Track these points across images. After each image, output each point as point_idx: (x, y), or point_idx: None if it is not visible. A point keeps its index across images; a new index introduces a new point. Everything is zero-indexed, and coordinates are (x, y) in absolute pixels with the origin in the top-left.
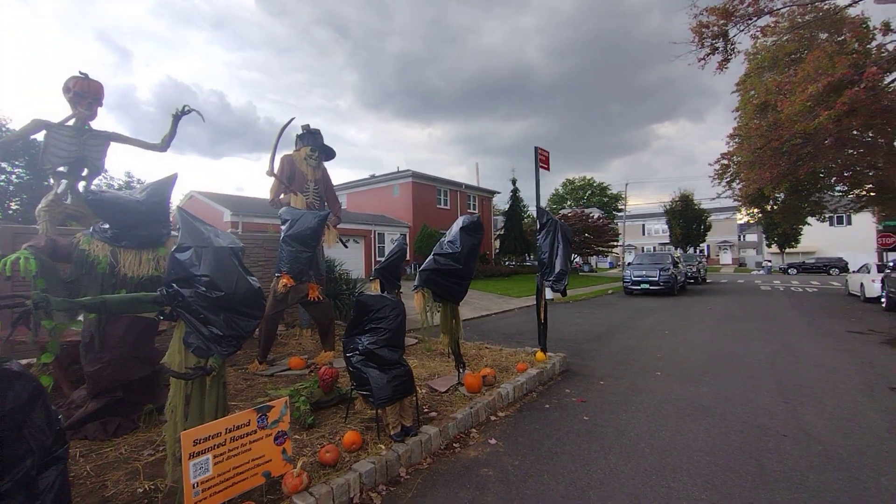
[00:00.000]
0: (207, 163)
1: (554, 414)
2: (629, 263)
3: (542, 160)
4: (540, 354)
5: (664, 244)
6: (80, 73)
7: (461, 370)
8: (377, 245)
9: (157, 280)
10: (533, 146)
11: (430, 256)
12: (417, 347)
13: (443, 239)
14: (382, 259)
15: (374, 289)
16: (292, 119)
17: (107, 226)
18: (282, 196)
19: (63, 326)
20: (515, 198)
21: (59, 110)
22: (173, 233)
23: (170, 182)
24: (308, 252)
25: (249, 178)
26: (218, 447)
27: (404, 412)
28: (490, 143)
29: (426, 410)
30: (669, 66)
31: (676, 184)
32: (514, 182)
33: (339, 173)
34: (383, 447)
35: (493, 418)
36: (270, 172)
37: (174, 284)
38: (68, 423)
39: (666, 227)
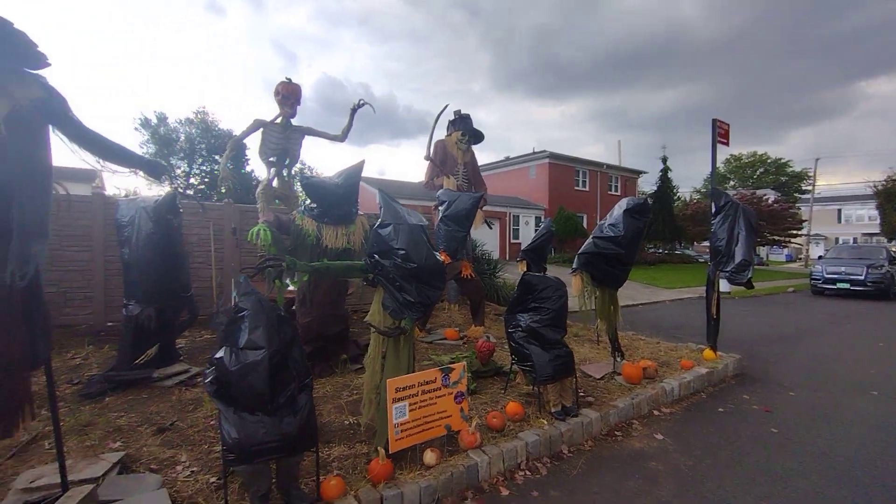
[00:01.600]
0: (356, 151)
1: (730, 420)
2: (821, 257)
3: (720, 135)
4: (709, 353)
5: (870, 234)
6: (286, 78)
7: (618, 358)
8: (511, 227)
9: (349, 252)
10: (691, 118)
11: (589, 239)
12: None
13: (602, 222)
14: (526, 242)
15: (520, 269)
16: (447, 106)
17: (314, 205)
18: (435, 179)
19: (285, 285)
20: (665, 178)
21: (238, 109)
22: (361, 212)
23: (360, 167)
24: (463, 231)
25: (390, 163)
26: (412, 397)
27: (564, 392)
28: (633, 118)
29: (582, 395)
30: None
31: (892, 158)
32: (664, 161)
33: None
34: (545, 422)
35: (656, 413)
36: (427, 157)
37: (376, 255)
38: None
39: (874, 212)
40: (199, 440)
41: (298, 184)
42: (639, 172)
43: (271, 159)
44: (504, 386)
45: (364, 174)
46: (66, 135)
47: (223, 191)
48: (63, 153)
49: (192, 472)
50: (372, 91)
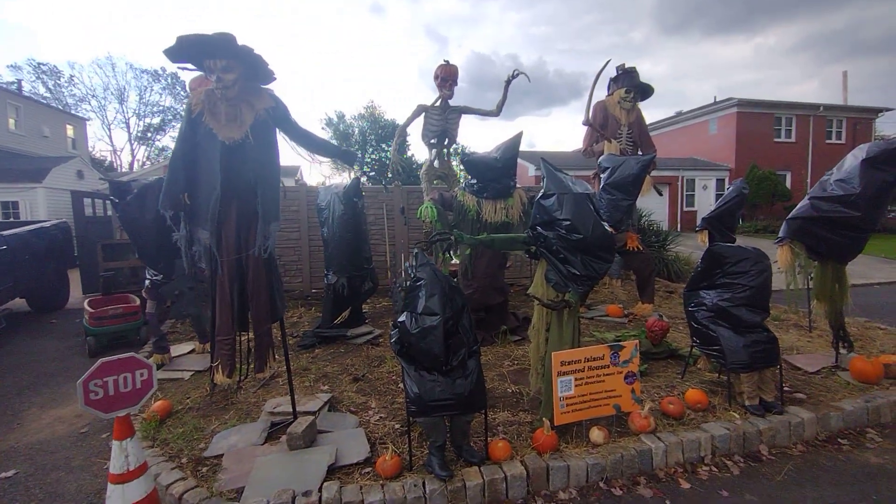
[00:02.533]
0: (505, 125)
1: None
2: None
3: None
4: None
5: None
6: (444, 60)
7: (844, 350)
8: (685, 193)
9: (507, 225)
10: None
11: (805, 200)
12: None
13: (825, 178)
14: (702, 209)
15: (701, 241)
16: (608, 62)
17: (474, 181)
18: (595, 145)
19: (449, 258)
20: None
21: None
22: (518, 185)
23: (518, 140)
24: (629, 200)
25: (540, 134)
26: (578, 372)
27: (764, 384)
28: (866, 37)
29: (788, 389)
30: None
31: None
32: None
33: None
34: (736, 416)
35: None
36: (586, 121)
37: (539, 227)
38: None
39: None
40: (384, 391)
41: (457, 162)
42: (877, 111)
43: (432, 141)
44: (682, 371)
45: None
46: (288, 135)
47: (389, 175)
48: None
49: (381, 417)
50: (520, 60)
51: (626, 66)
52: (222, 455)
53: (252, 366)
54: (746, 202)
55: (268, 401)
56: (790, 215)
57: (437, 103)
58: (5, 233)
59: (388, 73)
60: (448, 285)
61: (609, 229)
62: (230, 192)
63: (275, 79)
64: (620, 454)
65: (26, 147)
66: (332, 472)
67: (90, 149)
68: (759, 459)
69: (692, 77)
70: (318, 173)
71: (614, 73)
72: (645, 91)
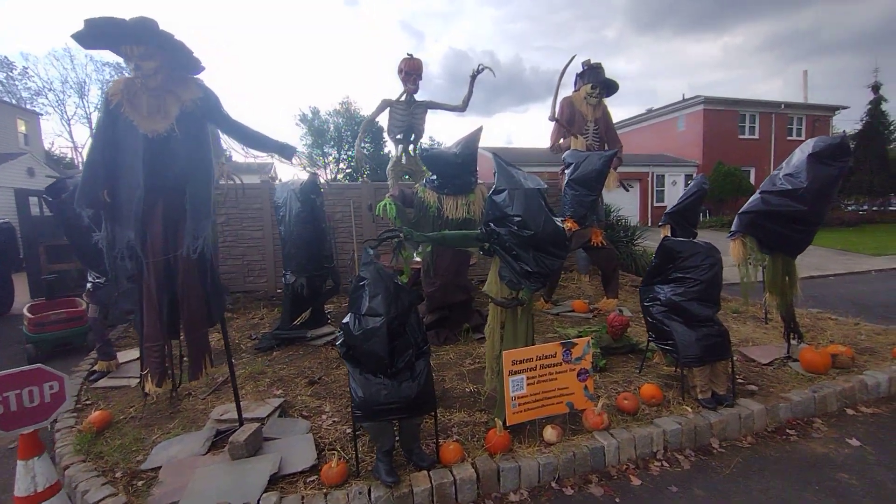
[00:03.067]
0: (482, 122)
1: None
2: None
3: None
4: None
5: None
6: (407, 54)
7: (794, 341)
8: (655, 189)
9: (469, 221)
10: None
11: (756, 195)
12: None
13: (775, 172)
14: (672, 205)
15: (664, 235)
16: (573, 58)
17: (434, 177)
18: (561, 140)
19: (410, 256)
20: (876, 112)
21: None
22: (480, 181)
23: (477, 136)
24: (592, 196)
25: (519, 131)
26: (530, 371)
27: (716, 377)
28: (827, 38)
29: (741, 381)
30: None
31: None
32: (875, 89)
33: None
34: (689, 409)
35: (850, 412)
36: (552, 117)
37: (491, 224)
38: None
39: None
40: (340, 394)
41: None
42: (834, 108)
43: (398, 136)
44: (639, 366)
45: (491, 144)
46: (219, 127)
47: (366, 173)
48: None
49: (334, 421)
50: (497, 57)
51: (592, 62)
52: (160, 467)
53: (185, 373)
54: (712, 197)
55: (216, 407)
56: (742, 209)
57: (403, 98)
58: None
59: (363, 69)
60: (393, 284)
61: (561, 225)
62: (155, 189)
63: (203, 68)
64: (573, 453)
65: None
66: (276, 481)
67: (49, 145)
68: (709, 453)
69: (664, 75)
70: (291, 170)
71: (580, 69)
72: (610, 87)
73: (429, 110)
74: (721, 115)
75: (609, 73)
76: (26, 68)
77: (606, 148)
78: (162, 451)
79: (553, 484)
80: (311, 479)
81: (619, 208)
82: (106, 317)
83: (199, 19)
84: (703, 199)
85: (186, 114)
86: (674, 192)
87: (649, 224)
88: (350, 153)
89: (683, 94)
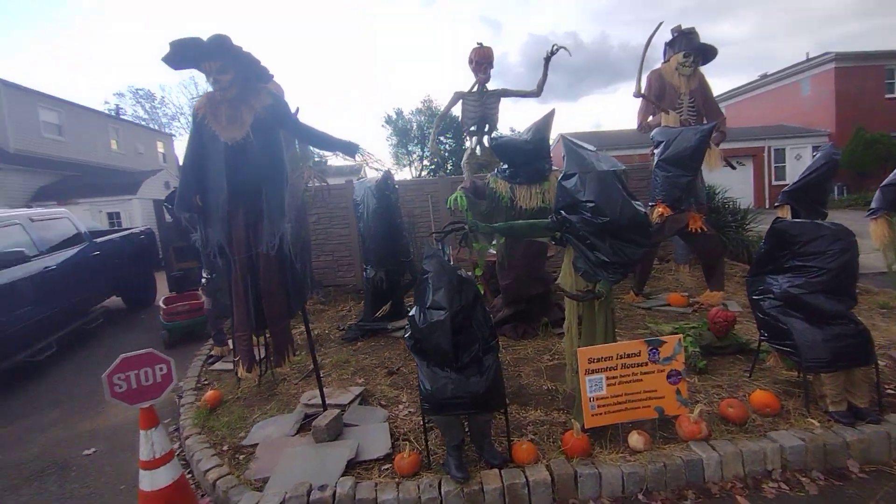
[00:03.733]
0: (567, 107)
1: None
2: None
3: None
4: None
5: None
6: (477, 43)
7: None
8: (773, 165)
9: (545, 210)
10: None
11: None
12: (864, 301)
13: None
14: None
15: (782, 216)
16: (659, 25)
17: (506, 166)
18: (651, 118)
19: (485, 248)
20: None
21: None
22: (555, 168)
23: (549, 120)
24: (687, 176)
25: (605, 113)
26: (610, 370)
27: (854, 387)
28: None
29: (892, 393)
30: None
31: None
32: None
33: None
34: (816, 423)
35: None
36: (637, 93)
37: (562, 211)
38: (493, 321)
39: None
40: (415, 385)
41: None
42: None
43: (472, 128)
44: (749, 369)
45: (578, 129)
46: (287, 131)
47: (449, 167)
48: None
49: (409, 412)
50: (580, 38)
51: (683, 27)
52: (257, 444)
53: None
54: (850, 170)
55: (305, 392)
56: (885, 181)
57: (475, 89)
58: (99, 240)
59: (444, 66)
60: (456, 277)
61: (643, 209)
62: (237, 193)
63: (272, 77)
64: (663, 463)
65: (125, 164)
66: (352, 466)
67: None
68: (845, 478)
69: (781, 35)
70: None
71: (670, 38)
72: (706, 53)
73: (503, 99)
74: (859, 72)
75: (709, 39)
76: (164, 97)
77: (705, 122)
78: (259, 429)
79: (640, 496)
80: (386, 467)
81: (727, 189)
82: (215, 308)
83: (288, 36)
84: (833, 174)
85: (259, 121)
86: (798, 167)
87: (766, 206)
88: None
89: (807, 53)
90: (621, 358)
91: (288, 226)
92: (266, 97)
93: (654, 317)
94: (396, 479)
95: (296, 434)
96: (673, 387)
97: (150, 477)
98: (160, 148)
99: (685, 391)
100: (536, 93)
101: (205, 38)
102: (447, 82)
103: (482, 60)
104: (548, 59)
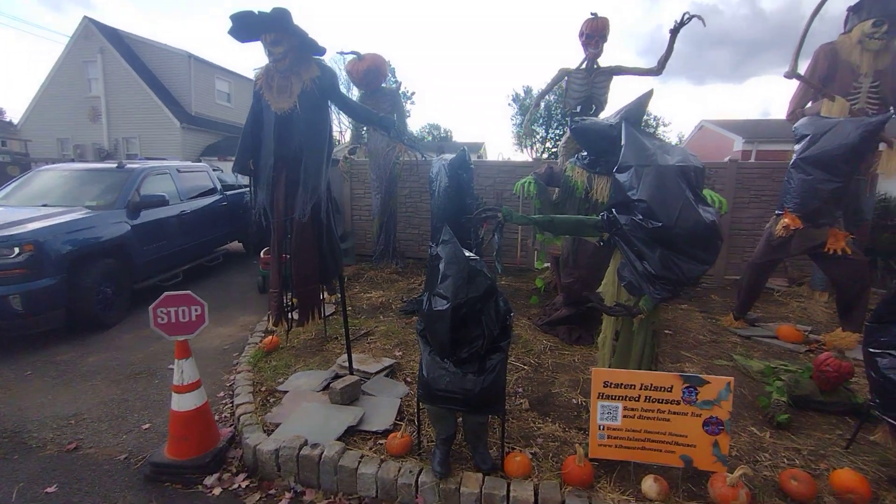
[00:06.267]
0: (730, 89)
1: None
2: None
3: None
4: None
5: None
6: (591, 13)
7: None
8: None
9: None
10: None
11: None
12: None
13: None
14: None
15: None
16: None
17: (585, 153)
18: (809, 105)
19: (549, 241)
20: None
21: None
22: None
23: (644, 101)
24: (835, 182)
25: (777, 97)
26: (630, 399)
27: None
28: None
29: None
30: None
31: None
32: None
33: None
34: None
35: None
36: (791, 73)
37: (614, 209)
38: (547, 320)
39: None
40: None
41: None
42: None
43: (577, 109)
44: (851, 437)
45: (736, 117)
46: (333, 103)
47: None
48: None
49: None
50: (761, 5)
51: None
52: (287, 392)
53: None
54: None
55: (342, 355)
56: None
57: (583, 65)
58: (228, 192)
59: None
60: (468, 268)
61: (711, 218)
62: (282, 160)
63: (324, 50)
64: None
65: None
66: (352, 434)
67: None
68: None
69: None
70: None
71: (854, 1)
72: None
73: (613, 77)
74: None
75: None
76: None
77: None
78: (295, 379)
79: None
80: (381, 441)
81: None
82: None
83: (428, 17)
84: None
85: (306, 92)
86: None
87: None
88: (557, 131)
89: None
90: (647, 389)
91: (325, 195)
92: (315, 69)
93: (749, 349)
94: (382, 456)
95: (321, 391)
96: (710, 437)
97: (178, 399)
98: None
99: (726, 446)
100: (657, 70)
101: (267, 11)
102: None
103: (593, 33)
104: (675, 32)
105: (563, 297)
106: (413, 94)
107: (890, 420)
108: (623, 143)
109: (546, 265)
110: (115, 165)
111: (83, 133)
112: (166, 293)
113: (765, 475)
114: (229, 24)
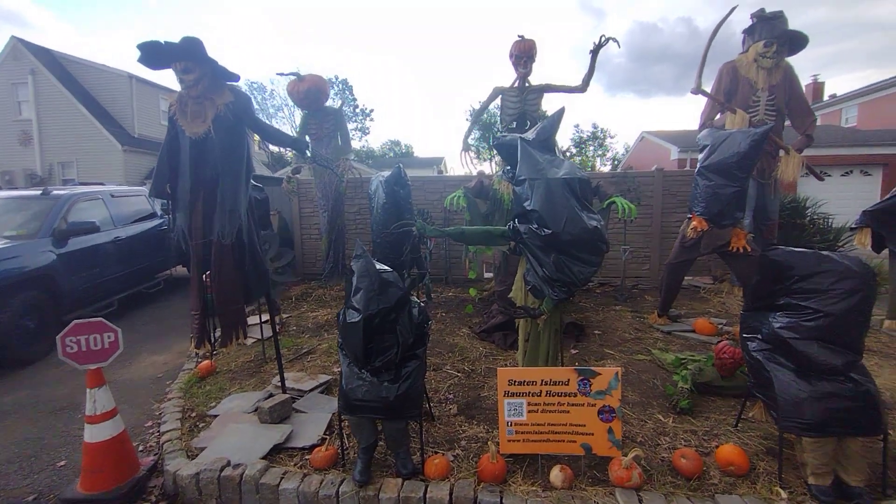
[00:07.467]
0: (672, 102)
1: None
2: None
3: None
4: None
5: None
6: (519, 36)
7: None
8: None
9: None
10: None
11: None
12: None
13: None
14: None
15: (859, 242)
16: (733, 8)
17: (509, 167)
18: (717, 117)
19: (480, 251)
20: None
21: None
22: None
23: (557, 117)
24: (732, 187)
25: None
26: (532, 395)
27: (847, 460)
28: None
29: None
30: None
31: None
32: None
33: (845, 82)
34: (784, 495)
35: None
36: (696, 89)
37: (516, 219)
38: (484, 327)
39: None
40: None
41: None
42: None
43: (511, 126)
44: (737, 418)
45: (672, 128)
46: (246, 126)
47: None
48: None
49: None
50: (695, 24)
51: (768, 10)
52: (217, 416)
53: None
54: None
55: (289, 374)
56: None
57: (515, 84)
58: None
59: (540, 56)
60: (379, 280)
61: (594, 224)
62: (198, 183)
63: (237, 76)
64: None
65: None
66: (278, 451)
67: (276, 149)
68: None
69: None
70: (458, 164)
71: (750, 22)
72: (794, 42)
73: (543, 94)
74: None
75: (859, 24)
76: (273, 90)
77: (789, 124)
78: (228, 402)
79: None
80: (308, 457)
81: (822, 202)
82: None
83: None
84: None
85: (220, 117)
86: None
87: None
88: None
89: None
90: (546, 384)
91: (246, 217)
92: (228, 95)
93: (669, 343)
94: (306, 471)
95: (252, 412)
96: (605, 424)
97: (91, 430)
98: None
99: (619, 431)
100: (581, 88)
101: (175, 41)
102: (541, 75)
103: (521, 54)
104: (595, 52)
105: (497, 305)
106: (372, 111)
107: (761, 397)
108: (519, 158)
109: (489, 275)
110: (40, 192)
111: (13, 158)
112: (75, 321)
113: (662, 456)
114: (137, 53)
